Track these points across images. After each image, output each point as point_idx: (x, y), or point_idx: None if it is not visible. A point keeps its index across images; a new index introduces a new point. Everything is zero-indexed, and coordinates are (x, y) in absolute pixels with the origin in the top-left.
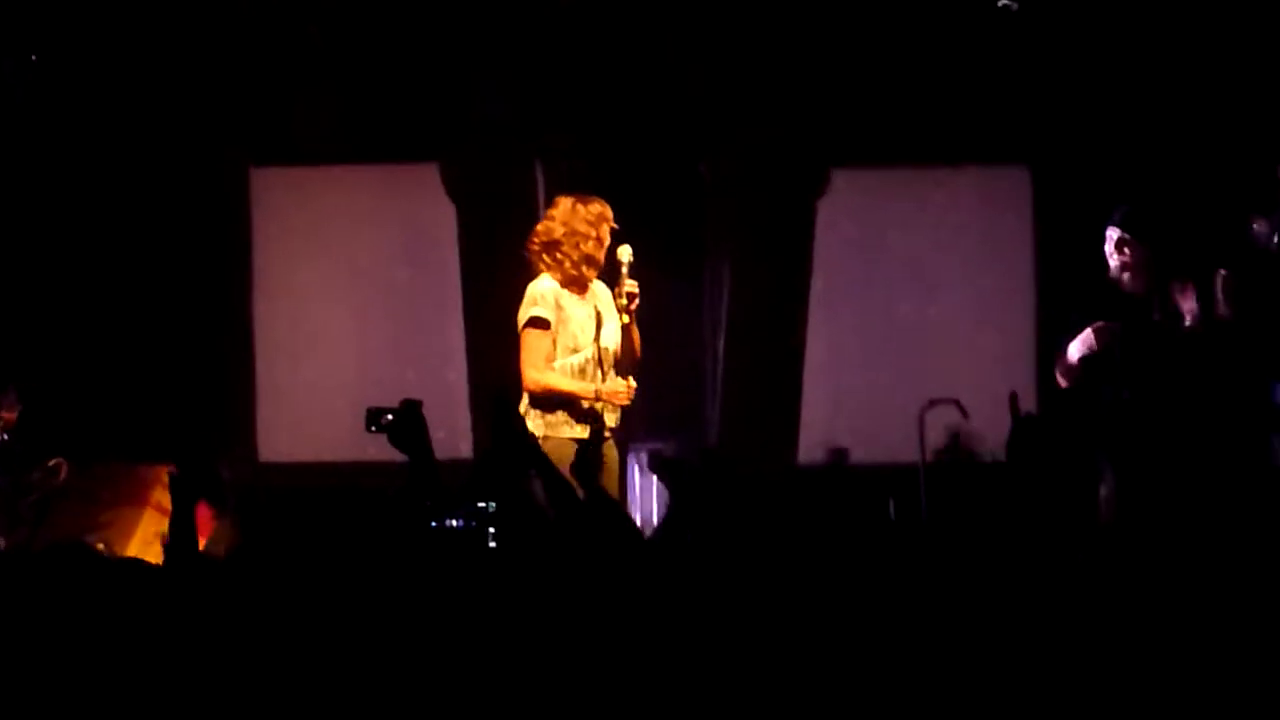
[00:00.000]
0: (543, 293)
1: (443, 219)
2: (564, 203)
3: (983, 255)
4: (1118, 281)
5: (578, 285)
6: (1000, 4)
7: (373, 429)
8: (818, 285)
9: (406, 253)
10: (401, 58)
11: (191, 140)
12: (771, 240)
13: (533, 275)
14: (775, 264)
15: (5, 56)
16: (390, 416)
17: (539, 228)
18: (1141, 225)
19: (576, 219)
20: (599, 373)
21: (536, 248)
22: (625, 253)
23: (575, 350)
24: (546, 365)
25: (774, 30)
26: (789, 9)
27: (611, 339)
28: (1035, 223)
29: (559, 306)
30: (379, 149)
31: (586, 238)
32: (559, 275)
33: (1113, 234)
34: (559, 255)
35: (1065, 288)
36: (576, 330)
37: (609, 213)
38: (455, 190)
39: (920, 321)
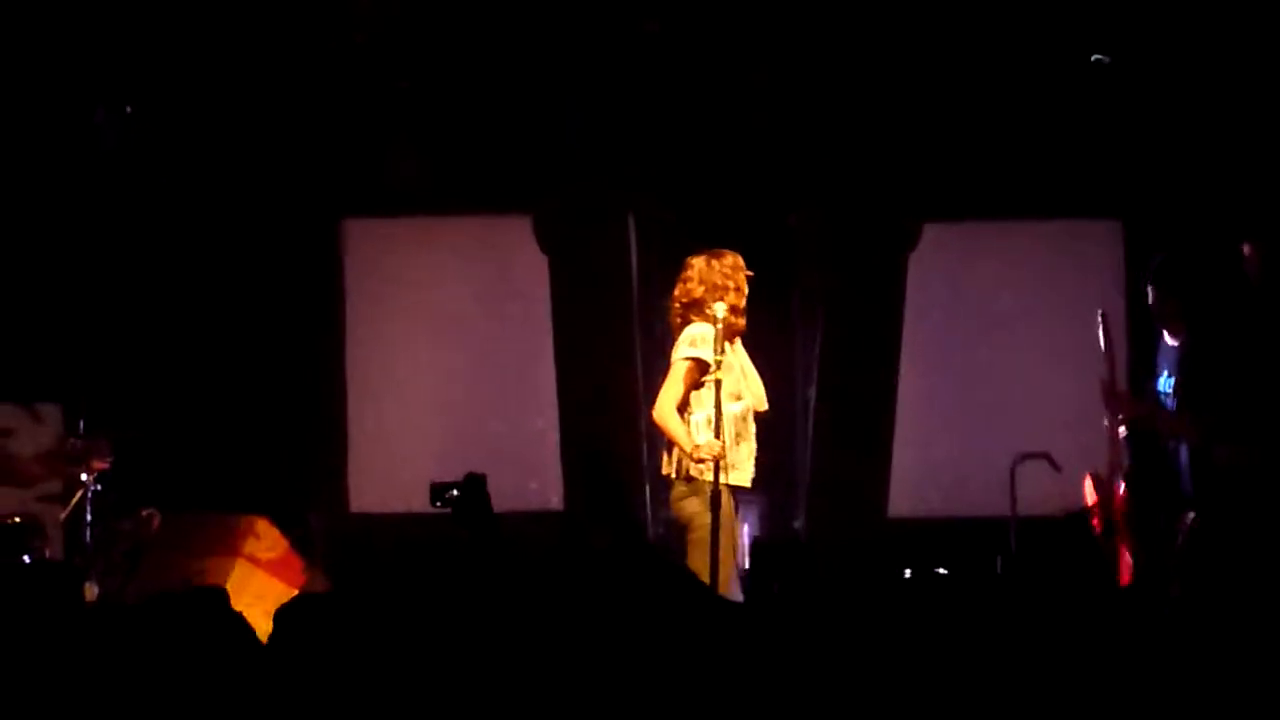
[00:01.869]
0: (704, 335)
1: (535, 270)
2: (697, 262)
3: (1073, 309)
4: (1166, 331)
5: (729, 335)
6: (1094, 58)
7: (437, 504)
8: (908, 338)
9: (498, 304)
10: (493, 108)
11: (285, 192)
12: (862, 293)
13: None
14: (866, 317)
15: (101, 106)
16: (455, 492)
17: (677, 292)
18: (1170, 278)
19: (713, 274)
20: (750, 423)
21: (679, 309)
22: (719, 308)
23: (738, 398)
24: (682, 400)
25: (867, 81)
26: (883, 61)
27: (757, 390)
28: (1127, 276)
29: (720, 352)
30: (471, 200)
31: (726, 289)
32: (714, 326)
33: (1149, 288)
34: (707, 311)
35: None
36: (737, 377)
37: (741, 261)
38: (548, 242)
39: (1010, 375)
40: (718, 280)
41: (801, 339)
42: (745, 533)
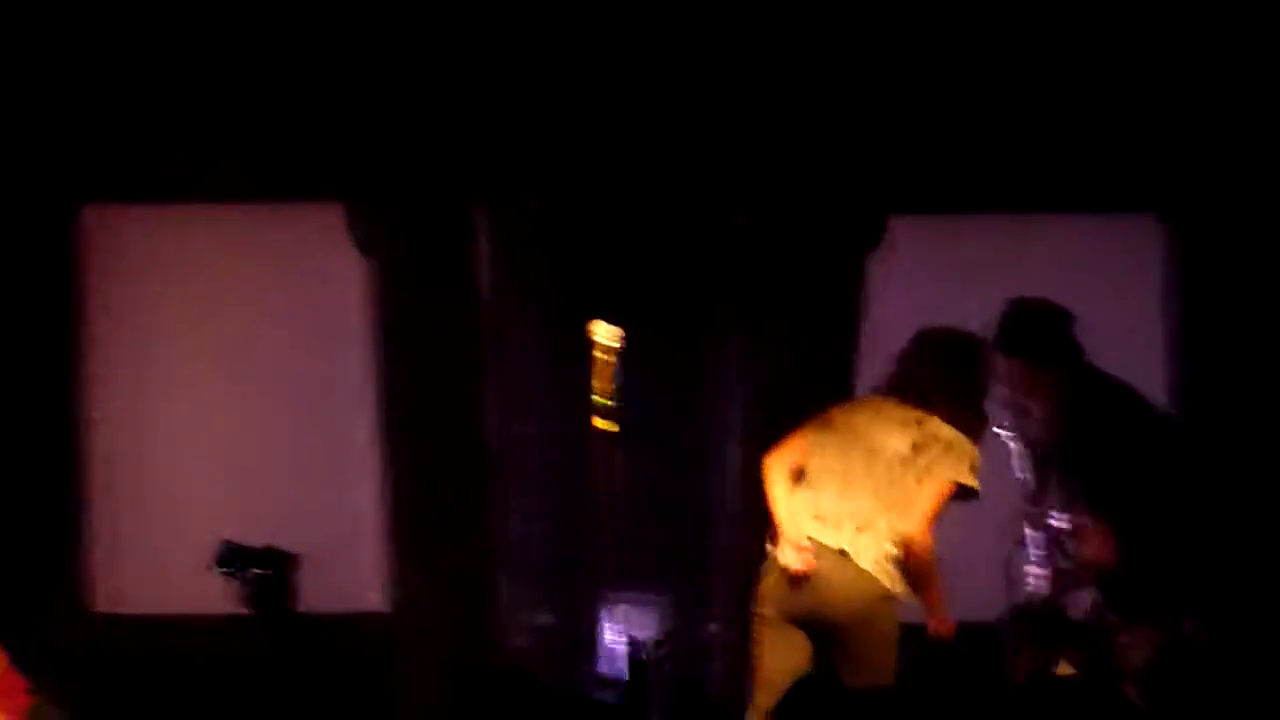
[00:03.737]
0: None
1: (348, 280)
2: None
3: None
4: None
5: None
6: None
7: (223, 571)
8: (869, 369)
9: (300, 328)
10: (287, 62)
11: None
12: (806, 311)
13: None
14: (809, 341)
15: None
16: (254, 569)
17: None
18: (1041, 339)
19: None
20: None
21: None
22: (605, 332)
23: None
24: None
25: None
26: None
27: None
28: (1169, 277)
29: None
30: (264, 183)
31: None
32: None
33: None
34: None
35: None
36: None
37: None
38: (366, 239)
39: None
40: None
41: (722, 381)
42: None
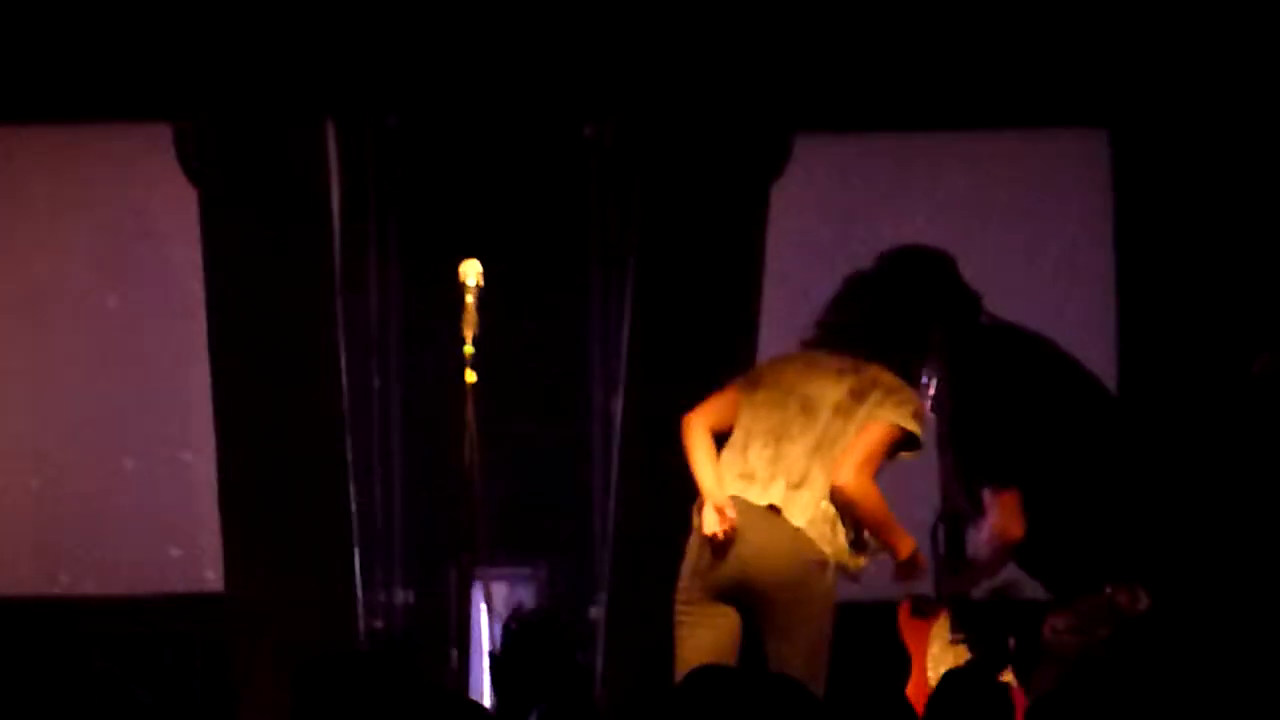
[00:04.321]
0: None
1: (179, 209)
2: None
3: (1015, 256)
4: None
5: None
6: None
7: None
8: (771, 312)
9: (120, 267)
10: None
11: None
12: (699, 246)
13: None
14: (704, 283)
15: None
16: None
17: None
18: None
19: None
20: None
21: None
22: (471, 271)
23: None
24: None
25: None
26: None
27: None
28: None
29: None
30: (76, 101)
31: None
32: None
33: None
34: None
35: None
36: None
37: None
38: (197, 163)
39: None
40: None
41: (603, 324)
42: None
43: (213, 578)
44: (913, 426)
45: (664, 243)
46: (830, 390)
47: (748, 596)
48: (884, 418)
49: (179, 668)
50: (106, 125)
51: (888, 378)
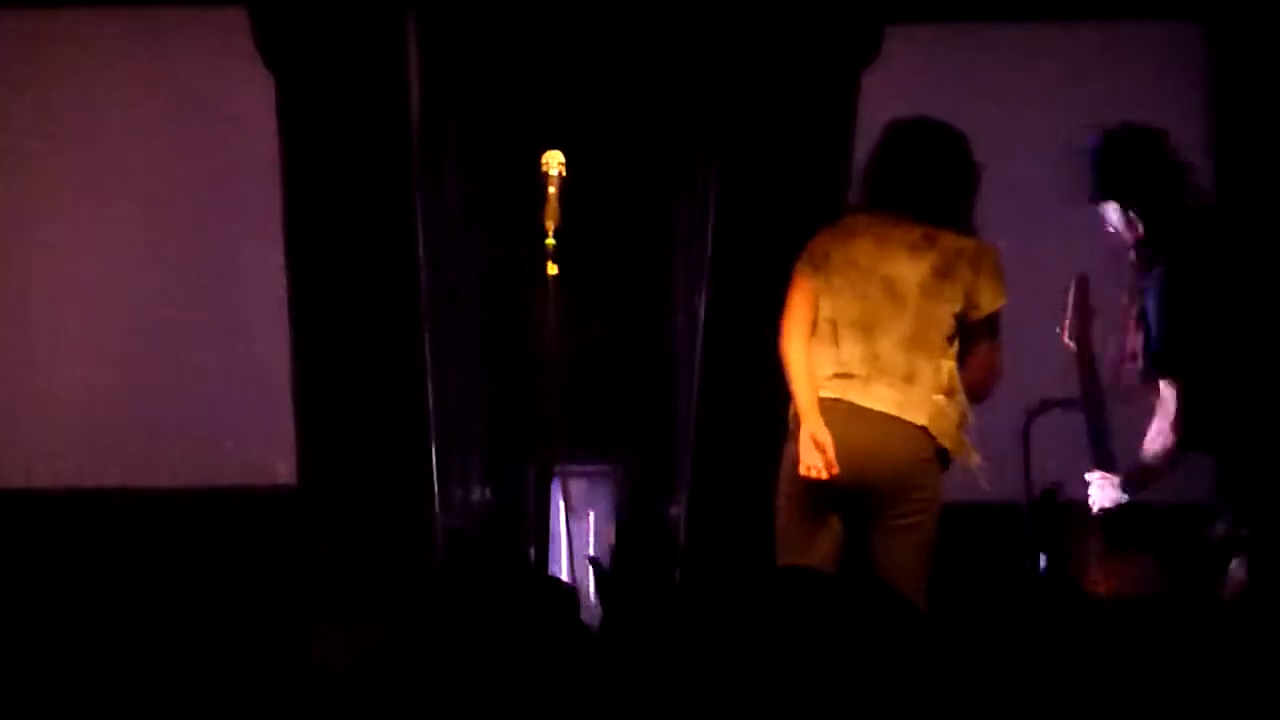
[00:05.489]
0: None
1: (256, 98)
2: None
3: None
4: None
5: None
6: None
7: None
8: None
9: (193, 155)
10: None
11: None
12: (786, 139)
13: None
14: (791, 176)
15: None
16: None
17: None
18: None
19: None
20: None
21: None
22: (554, 161)
23: None
24: None
25: None
26: None
27: None
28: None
29: None
30: None
31: None
32: None
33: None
34: None
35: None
36: None
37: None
38: (274, 51)
39: (1020, 255)
40: None
41: (687, 213)
42: (590, 521)
43: (285, 472)
44: (1003, 298)
45: (750, 136)
46: (910, 269)
47: (861, 502)
48: (986, 306)
49: (247, 562)
50: (184, 8)
51: (968, 246)
